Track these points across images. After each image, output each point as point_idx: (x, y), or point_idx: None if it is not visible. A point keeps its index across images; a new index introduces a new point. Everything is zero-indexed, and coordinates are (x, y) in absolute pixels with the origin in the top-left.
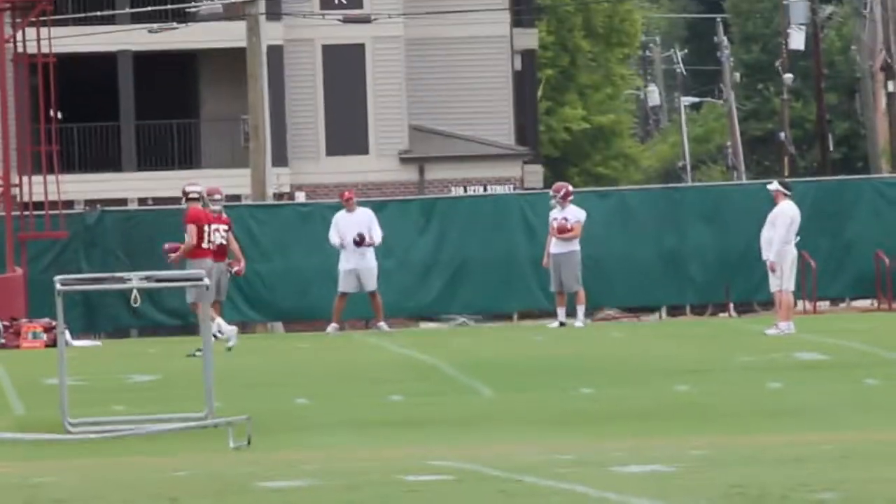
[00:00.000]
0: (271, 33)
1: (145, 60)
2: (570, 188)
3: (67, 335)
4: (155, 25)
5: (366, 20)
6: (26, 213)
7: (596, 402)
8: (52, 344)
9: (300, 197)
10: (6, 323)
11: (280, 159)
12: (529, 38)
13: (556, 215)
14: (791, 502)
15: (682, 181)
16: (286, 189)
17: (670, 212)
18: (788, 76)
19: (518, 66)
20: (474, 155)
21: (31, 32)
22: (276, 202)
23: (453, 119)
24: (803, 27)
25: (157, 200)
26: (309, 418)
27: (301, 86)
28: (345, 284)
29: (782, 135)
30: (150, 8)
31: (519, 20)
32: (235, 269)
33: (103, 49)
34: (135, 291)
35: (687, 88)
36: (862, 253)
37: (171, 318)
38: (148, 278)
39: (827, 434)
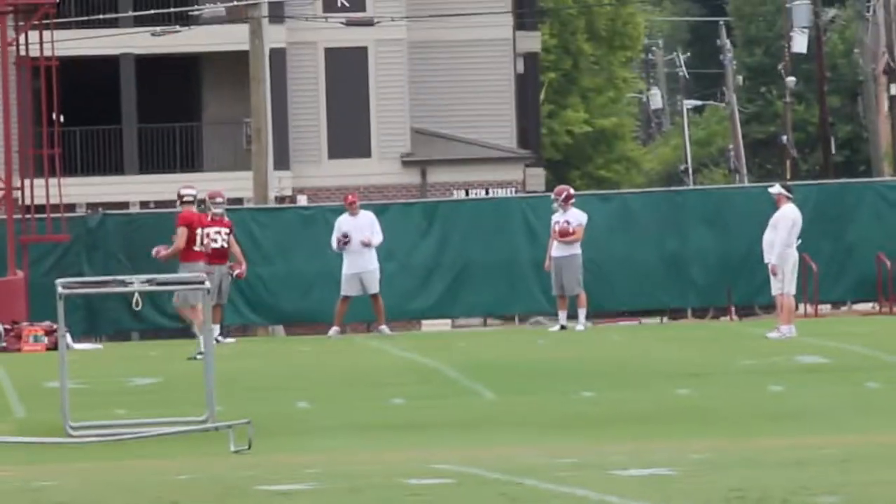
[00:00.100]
0: (274, 36)
1: (148, 64)
2: (572, 191)
3: (68, 338)
4: (157, 29)
5: (368, 23)
6: (28, 216)
7: (597, 405)
8: (54, 347)
9: (302, 200)
10: (7, 326)
11: (282, 162)
12: (532, 41)
13: (557, 218)
14: None
15: (683, 184)
16: (288, 192)
17: (672, 215)
18: (791, 79)
19: (520, 69)
20: (476, 158)
21: (33, 36)
22: (277, 205)
23: (455, 122)
24: (806, 30)
25: (158, 203)
26: (310, 422)
27: (303, 89)
28: (348, 288)
29: (784, 138)
30: (152, 11)
31: (521, 23)
32: (237, 272)
33: (106, 52)
34: (136, 295)
35: (689, 91)
36: (863, 256)
37: (172, 321)
38: (149, 281)
39: (828, 437)
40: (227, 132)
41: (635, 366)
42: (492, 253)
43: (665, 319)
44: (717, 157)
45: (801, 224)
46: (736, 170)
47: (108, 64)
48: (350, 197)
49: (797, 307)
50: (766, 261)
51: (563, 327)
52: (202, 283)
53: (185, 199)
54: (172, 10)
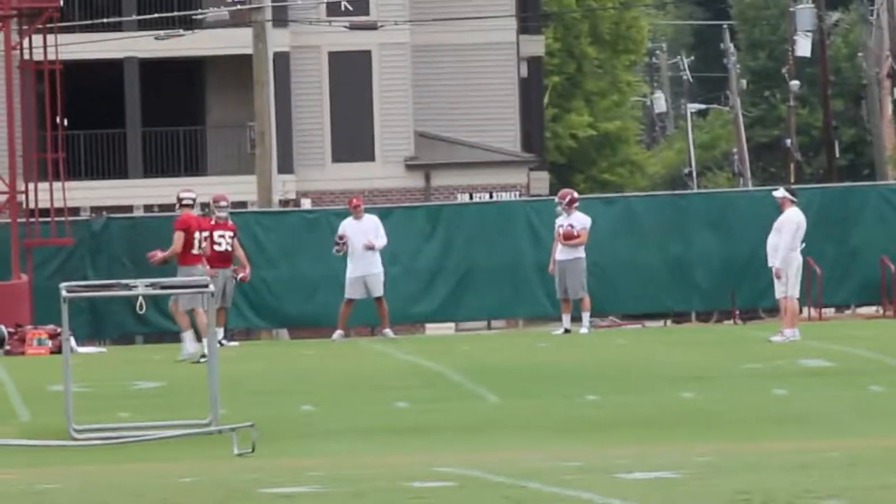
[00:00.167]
0: (278, 40)
1: (152, 67)
2: (576, 195)
3: (72, 342)
4: (161, 32)
5: (372, 27)
6: (32, 219)
7: (601, 408)
8: (58, 350)
9: (306, 204)
10: (11, 329)
11: (286, 166)
12: (536, 45)
13: (561, 222)
14: None
15: (687, 188)
16: (292, 196)
17: (676, 218)
18: (795, 83)
19: (524, 72)
20: (480, 161)
21: (37, 39)
22: (281, 209)
23: (459, 126)
24: (810, 34)
25: (162, 207)
26: (314, 425)
27: (307, 92)
28: (352, 291)
29: (788, 141)
30: (156, 15)
31: (525, 27)
32: (241, 275)
33: (110, 56)
34: (140, 298)
35: (693, 95)
36: (867, 260)
37: (176, 324)
38: (153, 285)
39: (832, 441)
40: (231, 136)
41: (639, 369)
42: (496, 257)
43: (669, 323)
44: (720, 160)
45: (805, 228)
46: (740, 173)
47: (112, 67)
48: (354, 200)
49: (801, 311)
50: (770, 265)
51: (566, 331)
52: (207, 286)
53: (184, 202)
54: (176, 13)
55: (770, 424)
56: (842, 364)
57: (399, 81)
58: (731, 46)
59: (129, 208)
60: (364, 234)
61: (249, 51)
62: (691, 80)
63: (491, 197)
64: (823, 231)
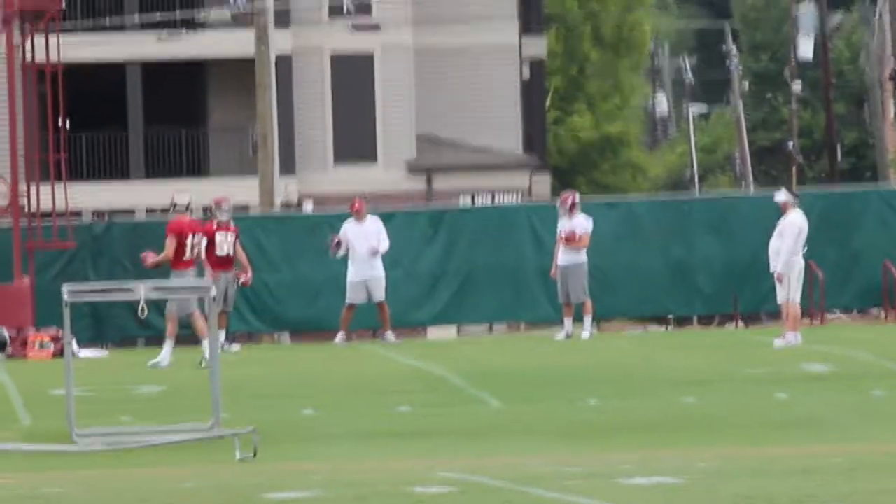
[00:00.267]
0: (279, 42)
1: (154, 69)
2: (578, 198)
3: (74, 345)
4: (163, 34)
5: (374, 29)
6: (34, 222)
7: (603, 413)
8: (59, 354)
9: (308, 206)
10: (13, 333)
11: (288, 168)
12: (538, 47)
13: (563, 225)
14: None
15: (689, 191)
16: (294, 198)
17: (678, 222)
18: (797, 85)
19: (526, 75)
20: (482, 164)
21: (39, 41)
22: (284, 212)
23: (461, 128)
24: (812, 36)
25: (164, 210)
26: (316, 429)
27: (309, 95)
28: (353, 296)
29: (790, 144)
30: (158, 17)
31: (527, 29)
32: (242, 279)
33: (112, 58)
34: (142, 302)
35: (695, 97)
36: (869, 263)
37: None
38: (155, 288)
39: (834, 445)
40: (233, 138)
41: (641, 373)
42: (498, 260)
43: (670, 327)
44: (722, 163)
45: (807, 231)
46: (742, 176)
47: (114, 69)
48: (356, 203)
49: (803, 315)
50: (772, 269)
51: (568, 335)
52: (208, 289)
53: (177, 206)
54: (179, 15)
55: (772, 429)
56: (844, 368)
57: (401, 84)
58: (734, 49)
59: (131, 211)
60: (366, 237)
61: (251, 53)
62: (693, 82)
63: (493, 200)
64: (825, 235)
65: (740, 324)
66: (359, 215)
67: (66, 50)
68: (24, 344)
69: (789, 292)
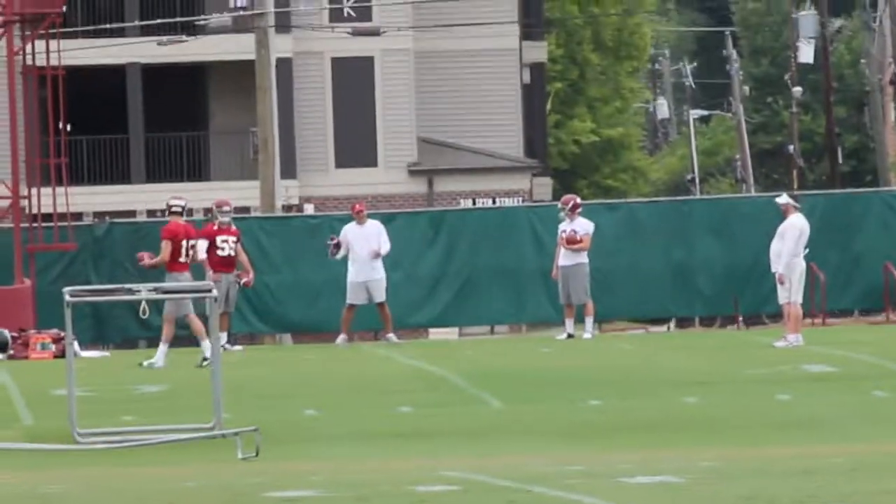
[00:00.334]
0: (280, 46)
1: (154, 73)
2: (579, 200)
3: (76, 346)
4: (164, 38)
5: (375, 33)
6: (35, 225)
7: (604, 413)
8: (61, 355)
9: (309, 209)
10: (15, 334)
11: (289, 171)
12: (538, 51)
13: (564, 227)
14: None
15: (690, 194)
16: (295, 201)
17: (679, 224)
18: (797, 89)
19: (527, 78)
20: (483, 167)
21: (40, 45)
22: (285, 214)
23: (462, 131)
24: (812, 41)
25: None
26: (317, 429)
27: (310, 98)
28: (354, 297)
29: (791, 148)
30: (159, 20)
31: (528, 33)
32: (244, 280)
33: (112, 61)
34: (143, 303)
35: (696, 101)
36: (870, 266)
37: (178, 328)
38: (156, 290)
39: (836, 446)
40: (234, 141)
41: (643, 374)
42: (499, 262)
43: (672, 328)
44: (723, 167)
45: (808, 234)
46: (743, 180)
47: (115, 73)
48: (357, 206)
49: (804, 316)
50: (773, 270)
51: (570, 336)
52: (210, 290)
53: (173, 209)
54: (179, 19)
55: (773, 430)
56: (845, 369)
57: (402, 87)
58: (734, 53)
59: (132, 213)
60: (367, 239)
61: (252, 56)
62: (694, 86)
63: (494, 203)
64: (826, 237)
65: (741, 325)
66: (360, 218)
67: (67, 54)
68: (26, 345)
69: (791, 294)
